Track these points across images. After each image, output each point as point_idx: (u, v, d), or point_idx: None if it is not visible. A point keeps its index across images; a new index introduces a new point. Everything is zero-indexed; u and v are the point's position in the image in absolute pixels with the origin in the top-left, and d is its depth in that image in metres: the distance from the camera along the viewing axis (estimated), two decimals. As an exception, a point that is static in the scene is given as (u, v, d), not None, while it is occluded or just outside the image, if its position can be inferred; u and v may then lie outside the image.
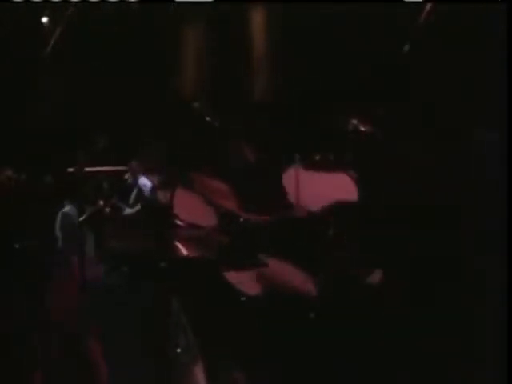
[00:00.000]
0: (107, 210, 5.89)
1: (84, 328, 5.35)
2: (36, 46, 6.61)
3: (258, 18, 7.06)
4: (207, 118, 5.53)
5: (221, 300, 4.88)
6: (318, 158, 5.63)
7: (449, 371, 4.67)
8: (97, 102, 6.64)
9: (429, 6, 5.92)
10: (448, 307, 4.91)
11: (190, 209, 4.98)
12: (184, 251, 4.59)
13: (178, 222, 4.69)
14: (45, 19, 6.72)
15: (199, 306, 4.82)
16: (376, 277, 5.10)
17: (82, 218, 5.72)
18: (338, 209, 5.34)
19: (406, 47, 5.91)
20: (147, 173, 5.98)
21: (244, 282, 4.91)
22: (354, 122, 5.61)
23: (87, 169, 5.92)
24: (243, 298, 4.83)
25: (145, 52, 6.87)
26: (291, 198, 5.41)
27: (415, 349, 4.80)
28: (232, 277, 4.89)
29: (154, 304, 4.65)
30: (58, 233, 5.91)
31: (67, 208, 5.75)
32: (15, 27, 6.64)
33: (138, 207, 5.94)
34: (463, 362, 4.69)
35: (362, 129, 5.59)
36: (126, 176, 6.17)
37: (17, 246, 5.86)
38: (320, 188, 5.51)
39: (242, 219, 5.25)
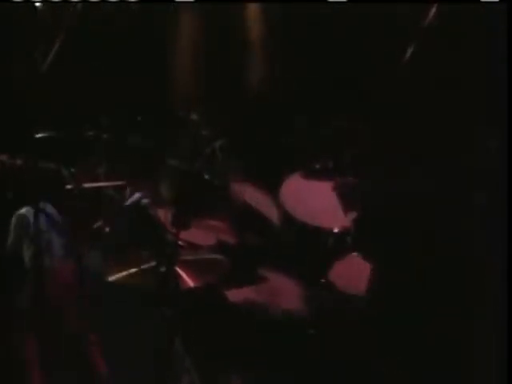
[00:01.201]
0: (107, 229, 5.81)
1: (84, 328, 5.34)
2: (36, 45, 6.60)
3: (258, 18, 7.05)
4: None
5: (222, 329, 4.86)
6: (318, 166, 5.63)
7: (449, 372, 4.68)
8: (95, 103, 6.63)
9: (428, 6, 5.91)
10: (448, 308, 4.91)
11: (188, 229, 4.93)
12: (186, 279, 4.48)
13: (179, 242, 4.61)
14: (38, 3, 6.66)
15: (202, 345, 4.81)
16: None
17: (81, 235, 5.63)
18: (340, 219, 5.35)
19: (408, 48, 5.91)
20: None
21: (243, 297, 4.89)
22: (354, 127, 5.61)
23: (85, 185, 5.86)
24: (245, 318, 4.82)
25: (145, 52, 6.86)
26: (290, 210, 5.41)
27: (416, 354, 4.80)
28: (232, 294, 4.86)
29: (155, 345, 4.59)
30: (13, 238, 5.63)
31: (24, 210, 5.52)
32: (15, 27, 6.64)
33: (135, 198, 5.86)
34: (463, 362, 4.69)
35: (361, 134, 5.59)
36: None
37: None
38: (319, 198, 5.51)
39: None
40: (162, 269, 4.33)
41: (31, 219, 5.17)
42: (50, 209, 5.43)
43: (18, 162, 5.59)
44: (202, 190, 5.55)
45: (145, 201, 5.68)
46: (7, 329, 5.25)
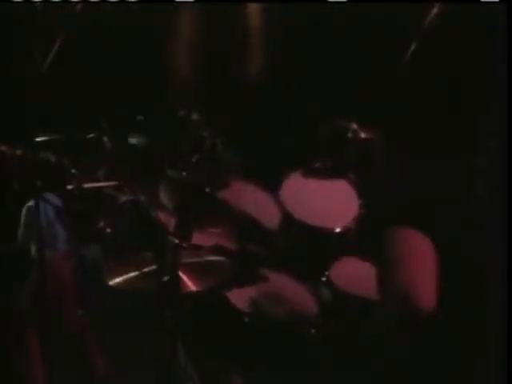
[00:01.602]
0: (108, 230, 5.80)
1: (84, 328, 5.34)
2: (36, 45, 6.60)
3: (258, 18, 7.06)
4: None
5: (225, 332, 4.84)
6: (317, 165, 5.62)
7: (449, 372, 4.67)
8: (95, 103, 6.63)
9: (429, 6, 5.92)
10: (447, 308, 4.90)
11: None
12: (188, 283, 4.44)
13: (181, 244, 4.56)
14: (38, 3, 6.65)
15: (202, 344, 4.79)
16: None
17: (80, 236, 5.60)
18: (340, 219, 5.35)
19: (409, 48, 5.92)
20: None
21: (245, 298, 4.87)
22: (354, 127, 5.61)
23: (86, 185, 5.85)
24: (246, 319, 4.80)
25: (145, 52, 6.86)
26: (290, 209, 5.41)
27: (416, 354, 4.79)
28: (233, 295, 4.84)
29: (157, 353, 4.57)
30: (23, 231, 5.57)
31: (32, 202, 5.45)
32: (15, 27, 6.64)
33: (132, 198, 5.86)
34: (463, 362, 4.69)
35: (363, 135, 5.59)
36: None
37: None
38: (320, 197, 5.50)
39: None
40: (164, 272, 4.30)
41: (38, 211, 5.16)
42: (55, 199, 5.43)
43: (18, 152, 5.59)
44: (202, 196, 5.53)
45: (143, 200, 5.68)
46: (7, 328, 5.25)
